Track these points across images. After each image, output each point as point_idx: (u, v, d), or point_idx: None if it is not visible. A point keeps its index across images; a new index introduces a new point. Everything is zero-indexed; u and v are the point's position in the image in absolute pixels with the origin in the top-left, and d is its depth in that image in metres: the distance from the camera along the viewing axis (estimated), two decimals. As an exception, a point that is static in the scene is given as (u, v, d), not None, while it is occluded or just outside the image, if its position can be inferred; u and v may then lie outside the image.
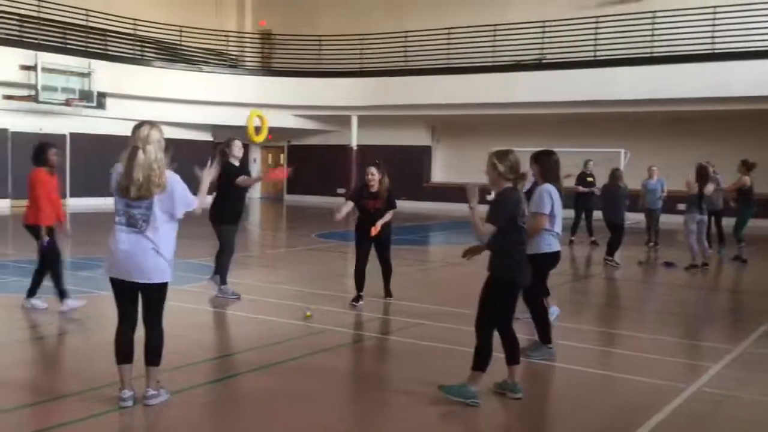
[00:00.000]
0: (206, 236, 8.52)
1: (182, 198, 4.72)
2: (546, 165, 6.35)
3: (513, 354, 5.25)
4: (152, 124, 4.77)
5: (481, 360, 5.06)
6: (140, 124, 4.74)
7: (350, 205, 8.30)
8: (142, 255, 4.63)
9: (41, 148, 7.55)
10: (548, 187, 6.23)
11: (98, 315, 7.40)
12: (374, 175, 8.24)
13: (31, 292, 7.61)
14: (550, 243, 6.31)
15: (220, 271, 8.54)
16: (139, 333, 4.87)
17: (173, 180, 4.71)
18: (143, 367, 4.83)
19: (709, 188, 11.87)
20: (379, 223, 8.22)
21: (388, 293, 8.63)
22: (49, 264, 7.46)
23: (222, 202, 8.36)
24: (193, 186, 4.96)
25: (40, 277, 7.56)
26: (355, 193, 8.45)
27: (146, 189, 4.59)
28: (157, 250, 4.66)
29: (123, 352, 4.78)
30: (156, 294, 4.78)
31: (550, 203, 6.16)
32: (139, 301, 4.83)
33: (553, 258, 6.42)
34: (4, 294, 8.65)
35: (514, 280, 5.12)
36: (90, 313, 7.51)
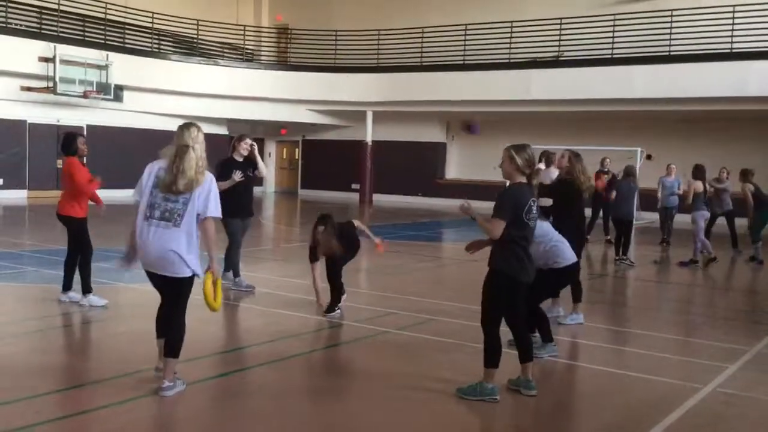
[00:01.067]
0: (221, 229, 8.54)
1: (215, 199, 4.88)
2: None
3: (525, 351, 5.24)
4: (198, 126, 4.99)
5: (490, 357, 5.06)
6: (189, 125, 4.95)
7: (318, 266, 7.69)
8: (174, 249, 4.76)
9: (70, 138, 7.54)
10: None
11: (115, 305, 7.46)
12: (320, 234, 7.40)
13: (67, 286, 7.59)
14: (566, 254, 6.45)
15: (232, 265, 8.57)
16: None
17: (210, 181, 4.91)
18: (184, 354, 4.98)
19: (699, 185, 11.99)
20: (379, 241, 7.98)
21: (330, 308, 7.56)
22: (82, 256, 7.43)
23: (225, 195, 8.27)
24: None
25: (71, 269, 7.55)
26: (312, 250, 7.64)
27: (191, 185, 4.77)
28: (188, 245, 4.79)
29: (161, 327, 5.04)
30: (183, 287, 4.90)
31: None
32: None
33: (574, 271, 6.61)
34: (22, 284, 8.74)
35: (515, 276, 5.04)
36: (112, 303, 7.55)
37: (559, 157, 7.70)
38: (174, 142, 4.90)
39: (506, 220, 4.96)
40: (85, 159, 7.69)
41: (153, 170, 4.89)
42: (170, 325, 4.93)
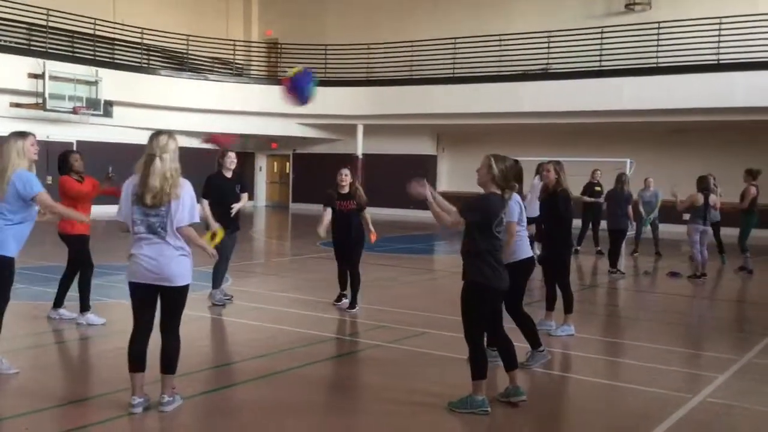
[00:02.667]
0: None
1: (189, 208, 4.76)
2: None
3: (509, 360, 5.26)
4: (169, 133, 4.84)
5: (477, 369, 5.06)
6: (158, 133, 4.80)
7: (329, 212, 8.44)
8: (167, 261, 4.71)
9: (63, 157, 7.48)
10: (515, 198, 6.11)
11: (110, 321, 7.43)
12: (347, 176, 8.49)
13: (58, 302, 7.52)
14: (525, 249, 6.38)
15: (214, 277, 8.57)
16: (154, 340, 4.90)
17: (188, 189, 4.79)
18: (157, 372, 4.86)
19: (713, 198, 11.93)
20: (372, 229, 8.47)
21: (352, 304, 8.54)
22: (82, 274, 7.37)
23: (213, 210, 8.29)
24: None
25: (66, 286, 7.48)
26: (328, 199, 8.52)
27: (160, 197, 4.66)
28: (180, 254, 4.75)
29: (136, 361, 4.81)
30: (178, 297, 4.83)
31: (518, 213, 6.15)
32: (157, 308, 4.86)
33: (529, 264, 6.51)
34: (12, 301, 8.67)
35: (489, 284, 5.04)
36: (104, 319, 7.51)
37: (545, 172, 7.59)
38: (144, 152, 4.78)
39: (469, 220, 5.00)
40: (80, 175, 7.43)
41: (129, 187, 4.79)
42: (165, 341, 4.83)
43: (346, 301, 8.54)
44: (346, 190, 8.43)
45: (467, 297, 5.09)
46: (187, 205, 4.76)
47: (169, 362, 4.84)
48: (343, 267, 8.68)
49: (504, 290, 5.19)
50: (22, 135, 5.62)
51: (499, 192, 5.09)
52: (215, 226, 7.38)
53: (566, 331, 7.50)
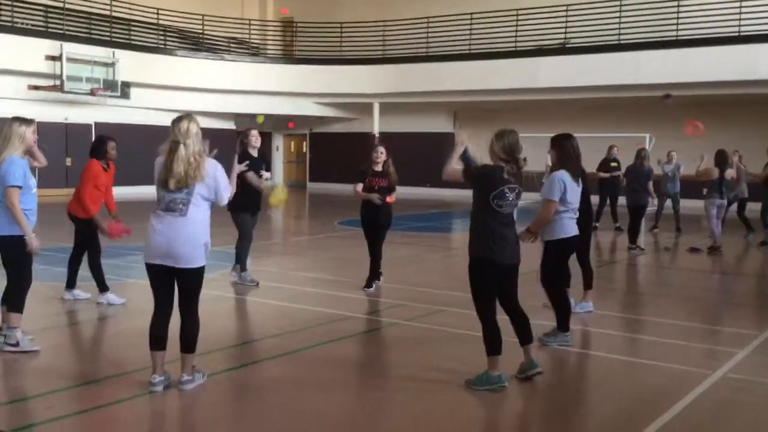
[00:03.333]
0: (229, 224, 8.59)
1: (224, 185, 4.87)
2: (564, 150, 6.23)
3: (524, 333, 5.25)
4: (190, 117, 4.86)
5: (490, 344, 5.06)
6: (179, 119, 4.83)
7: (360, 186, 8.45)
8: (181, 240, 4.72)
9: (100, 140, 7.50)
10: (560, 174, 6.09)
11: (130, 301, 7.50)
12: (382, 153, 8.42)
13: (71, 283, 7.59)
14: (566, 228, 6.25)
15: (239, 259, 8.63)
16: (174, 321, 4.94)
17: (214, 169, 4.83)
18: (177, 350, 4.90)
19: (730, 172, 11.83)
20: (393, 195, 8.42)
21: (368, 283, 8.52)
22: (90, 256, 7.42)
23: (239, 191, 8.32)
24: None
25: (75, 266, 7.54)
26: (361, 173, 8.50)
27: (185, 181, 4.71)
28: (195, 234, 4.76)
29: (157, 339, 4.85)
30: (194, 279, 4.84)
31: (560, 190, 6.06)
32: (176, 288, 4.88)
33: (571, 243, 6.38)
34: (35, 282, 8.77)
35: (494, 259, 5.02)
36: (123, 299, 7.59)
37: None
38: (168, 138, 4.83)
39: (468, 177, 5.13)
40: (108, 164, 7.49)
41: (156, 167, 4.86)
42: (184, 321, 4.86)
43: (372, 289, 8.50)
44: (380, 167, 8.40)
45: (472, 273, 5.11)
46: (222, 184, 4.84)
47: (187, 342, 4.87)
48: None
49: (512, 265, 5.15)
50: (25, 121, 5.70)
51: (503, 166, 5.06)
52: (263, 182, 8.27)
53: (585, 308, 7.47)
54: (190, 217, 4.74)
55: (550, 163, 6.91)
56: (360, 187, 8.41)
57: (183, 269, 4.76)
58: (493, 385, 5.02)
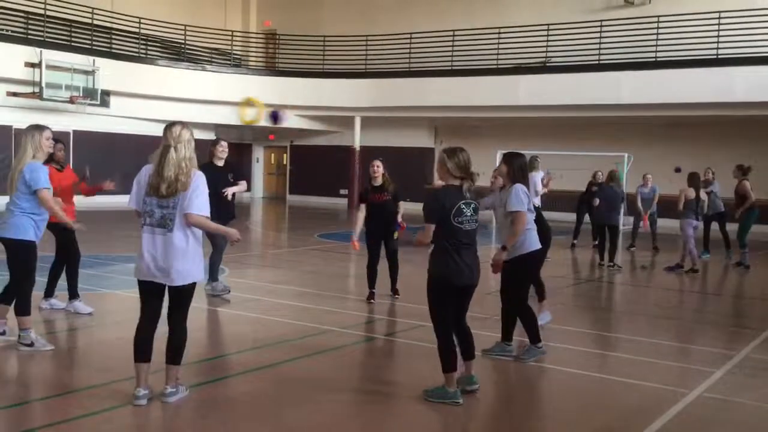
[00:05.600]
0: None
1: (201, 196, 4.74)
2: (515, 166, 6.28)
3: (467, 349, 5.29)
4: (183, 124, 4.87)
5: (444, 361, 5.07)
6: (172, 124, 4.84)
7: (363, 209, 8.45)
8: (173, 257, 4.69)
9: None
10: (519, 186, 6.13)
11: (100, 312, 7.40)
12: (378, 167, 8.42)
13: (49, 293, 7.51)
14: (533, 242, 6.29)
15: (211, 271, 8.54)
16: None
17: (198, 178, 4.78)
18: (160, 361, 4.86)
19: (703, 195, 12.05)
20: (401, 220, 8.44)
21: (395, 291, 8.73)
22: (69, 263, 7.36)
23: (210, 201, 8.22)
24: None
25: (55, 276, 7.47)
26: (362, 194, 8.58)
27: (174, 187, 4.67)
28: (186, 251, 4.72)
29: (142, 351, 4.80)
30: (186, 294, 4.84)
31: (526, 200, 6.10)
32: (164, 301, 4.85)
33: (540, 256, 6.52)
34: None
35: (449, 279, 5.03)
36: (97, 309, 7.49)
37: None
38: (161, 144, 4.82)
39: (433, 223, 5.01)
40: (61, 165, 7.44)
41: (142, 176, 4.80)
42: (173, 332, 4.83)
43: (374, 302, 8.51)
44: (379, 182, 8.42)
45: (429, 291, 5.12)
46: (199, 193, 4.73)
47: (175, 353, 4.84)
48: (376, 259, 8.56)
49: (467, 286, 5.16)
50: (38, 128, 6.00)
51: (457, 183, 5.07)
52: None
53: (543, 318, 7.40)
54: (179, 233, 4.69)
55: (492, 179, 7.01)
56: (362, 212, 8.41)
57: (176, 286, 4.74)
58: (447, 400, 5.03)
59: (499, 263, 5.96)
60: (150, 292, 4.80)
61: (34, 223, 5.93)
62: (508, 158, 6.34)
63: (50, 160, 7.32)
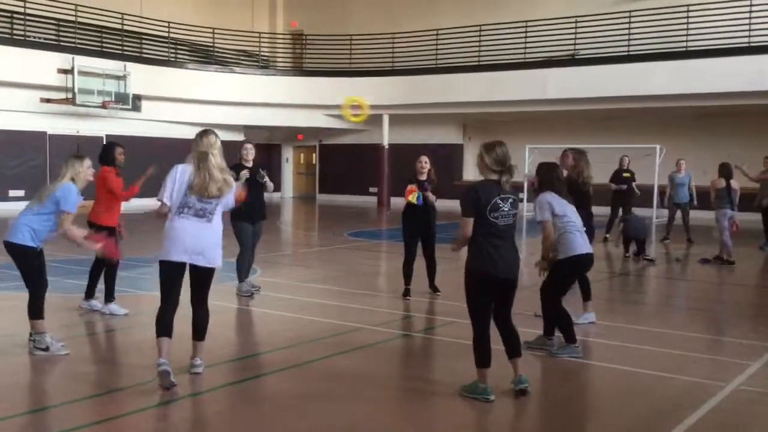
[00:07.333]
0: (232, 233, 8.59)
1: (231, 197, 5.42)
2: (545, 176, 6.38)
3: (512, 347, 5.23)
4: (215, 132, 5.37)
5: (478, 356, 5.06)
6: (206, 132, 5.30)
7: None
8: (209, 242, 5.22)
9: (109, 147, 7.69)
10: (542, 196, 6.27)
11: (135, 313, 7.51)
12: (426, 163, 8.59)
13: (89, 294, 7.64)
14: (575, 245, 6.29)
15: (239, 272, 8.62)
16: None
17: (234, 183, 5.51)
18: (177, 352, 5.14)
19: (734, 184, 11.89)
20: (431, 195, 8.48)
21: (434, 288, 8.76)
22: (109, 265, 7.41)
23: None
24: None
25: (96, 277, 7.59)
26: (408, 183, 8.65)
27: (222, 188, 5.21)
28: (218, 238, 5.28)
29: (165, 327, 5.21)
30: (211, 276, 5.36)
31: (548, 209, 6.20)
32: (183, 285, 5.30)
33: (584, 261, 6.44)
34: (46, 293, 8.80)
35: (485, 272, 5.03)
36: (131, 311, 7.59)
37: (562, 156, 7.70)
38: (193, 149, 5.21)
39: (470, 217, 5.02)
40: (119, 171, 7.63)
41: (177, 174, 5.19)
42: (198, 313, 5.36)
43: (429, 292, 8.65)
44: (425, 177, 8.47)
45: (466, 285, 5.13)
46: (234, 191, 5.43)
47: (201, 330, 5.39)
48: (412, 256, 8.60)
49: (507, 279, 5.12)
50: (79, 159, 6.22)
51: (495, 177, 5.06)
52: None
53: (587, 318, 7.41)
54: (214, 224, 5.26)
55: (526, 172, 7.18)
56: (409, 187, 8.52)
57: (206, 267, 5.26)
58: (478, 395, 5.03)
59: (542, 266, 6.30)
60: (176, 276, 5.23)
61: (31, 227, 5.91)
62: (539, 168, 6.51)
63: (112, 163, 7.52)
